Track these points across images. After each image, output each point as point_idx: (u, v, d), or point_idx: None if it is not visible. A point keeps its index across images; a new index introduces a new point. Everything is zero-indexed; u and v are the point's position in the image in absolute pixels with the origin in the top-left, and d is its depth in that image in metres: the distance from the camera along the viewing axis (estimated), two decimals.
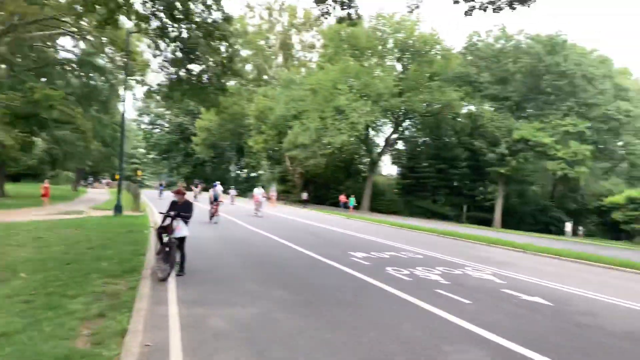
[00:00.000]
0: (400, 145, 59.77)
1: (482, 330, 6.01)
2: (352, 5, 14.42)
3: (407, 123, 55.37)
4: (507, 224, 44.92)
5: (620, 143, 52.87)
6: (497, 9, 12.92)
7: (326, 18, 14.62)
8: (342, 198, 42.34)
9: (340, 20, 14.61)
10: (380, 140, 55.28)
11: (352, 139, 42.75)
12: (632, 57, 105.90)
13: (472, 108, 51.52)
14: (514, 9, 12.77)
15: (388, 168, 68.17)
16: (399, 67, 50.36)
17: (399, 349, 5.19)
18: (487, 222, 45.52)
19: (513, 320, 6.81)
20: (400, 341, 5.45)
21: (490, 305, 7.65)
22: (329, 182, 53.89)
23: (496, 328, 6.14)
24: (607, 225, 44.72)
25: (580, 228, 43.64)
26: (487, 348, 5.39)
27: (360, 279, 9.15)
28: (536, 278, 10.84)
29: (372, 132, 52.43)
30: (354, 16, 14.65)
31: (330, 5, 14.39)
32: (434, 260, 12.84)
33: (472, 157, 50.35)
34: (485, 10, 13.02)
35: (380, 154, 54.84)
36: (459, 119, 52.92)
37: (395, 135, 55.05)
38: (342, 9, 14.56)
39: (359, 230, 21.60)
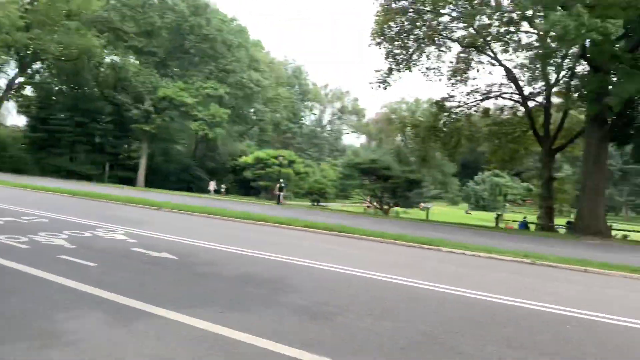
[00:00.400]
0: (29, 91, 51.52)
1: (103, 292, 5.75)
2: None
3: (38, 66, 48.23)
4: (151, 182, 45.39)
5: (252, 109, 60.41)
6: None
7: None
8: None
9: None
10: (1, 82, 46.26)
11: None
12: (264, 31, 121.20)
13: (116, 59, 48.99)
14: None
15: (13, 118, 58.31)
16: None
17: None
18: (131, 181, 44.89)
19: (138, 277, 6.81)
20: (4, 318, 4.67)
21: (116, 266, 7.44)
22: None
23: (119, 287, 5.98)
24: (241, 183, 50.82)
25: (223, 186, 47.87)
26: (105, 309, 5.17)
27: None
28: (167, 234, 11.20)
29: None
30: None
31: None
32: (62, 223, 11.71)
33: (117, 112, 48.14)
34: None
35: (1, 100, 46.14)
36: (102, 69, 49.55)
37: (21, 79, 47.21)
38: None
39: None
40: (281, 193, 33.46)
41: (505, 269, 10.30)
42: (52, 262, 7.20)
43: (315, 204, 39.77)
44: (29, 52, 42.73)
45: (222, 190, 47.09)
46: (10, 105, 53.07)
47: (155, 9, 47.40)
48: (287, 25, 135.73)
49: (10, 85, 45.86)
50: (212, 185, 44.71)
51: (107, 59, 49.07)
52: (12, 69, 45.66)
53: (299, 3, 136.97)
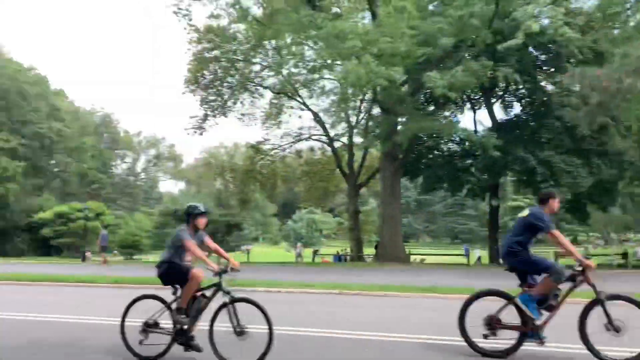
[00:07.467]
0: None
1: None
2: None
3: None
4: None
5: (53, 161, 54.72)
6: None
7: None
8: None
9: None
10: None
11: None
12: (67, 80, 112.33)
13: None
14: None
15: None
16: None
17: None
18: None
19: None
20: None
21: None
22: None
23: None
24: (39, 242, 44.76)
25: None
26: None
27: None
28: None
29: None
30: None
31: None
32: None
33: None
34: None
35: None
36: None
37: None
38: None
39: None
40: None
41: (315, 301, 10.85)
42: None
43: (129, 257, 36.97)
44: None
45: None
46: None
47: None
48: (97, 73, 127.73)
49: None
50: None
51: None
52: None
53: (109, 50, 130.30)
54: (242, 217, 41.14)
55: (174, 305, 5.64)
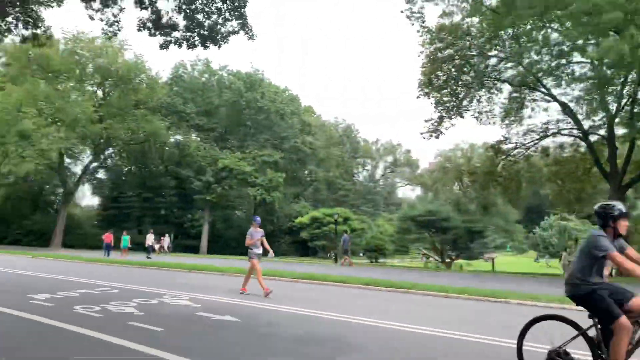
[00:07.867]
0: (102, 174, 56.17)
1: (169, 354, 5.87)
2: (38, 25, 13.10)
3: (109, 151, 52.49)
4: (213, 249, 46.55)
5: (306, 171, 61.74)
6: (192, 46, 13.46)
7: (5, 36, 12.71)
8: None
9: (24, 39, 12.93)
10: (78, 168, 50.65)
11: (41, 168, 37.77)
12: (315, 97, 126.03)
13: (179, 137, 52.61)
14: (207, 47, 13.54)
15: (88, 199, 62.73)
16: (100, 92, 47.63)
17: None
18: (195, 249, 46.16)
19: (201, 340, 6.90)
20: None
21: (181, 330, 7.59)
22: (10, 217, 46.29)
23: (183, 350, 6.08)
24: (298, 244, 50.98)
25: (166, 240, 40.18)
26: None
27: (41, 324, 7.79)
28: (230, 298, 11.41)
29: (68, 160, 47.58)
30: (42, 37, 13.24)
31: (11, 22, 12.66)
32: (131, 292, 12.15)
33: (180, 186, 50.76)
34: (180, 46, 13.38)
35: (78, 184, 50.01)
36: (167, 148, 53.17)
37: (95, 164, 51.39)
38: (26, 28, 12.97)
39: (46, 269, 18.96)
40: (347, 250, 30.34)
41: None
42: (122, 329, 7.42)
43: (374, 261, 38.85)
44: (102, 140, 46.68)
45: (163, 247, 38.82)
46: (86, 188, 57.62)
47: (214, 90, 51.07)
48: (335, 85, 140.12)
49: (85, 170, 49.90)
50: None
51: (172, 139, 52.76)
52: (87, 156, 49.97)
53: (345, 65, 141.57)
54: (483, 224, 39.16)
55: (591, 332, 4.61)
